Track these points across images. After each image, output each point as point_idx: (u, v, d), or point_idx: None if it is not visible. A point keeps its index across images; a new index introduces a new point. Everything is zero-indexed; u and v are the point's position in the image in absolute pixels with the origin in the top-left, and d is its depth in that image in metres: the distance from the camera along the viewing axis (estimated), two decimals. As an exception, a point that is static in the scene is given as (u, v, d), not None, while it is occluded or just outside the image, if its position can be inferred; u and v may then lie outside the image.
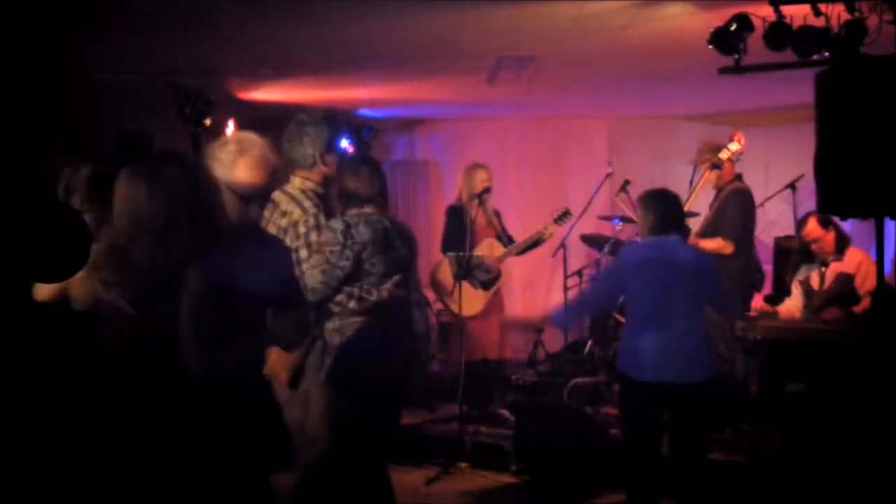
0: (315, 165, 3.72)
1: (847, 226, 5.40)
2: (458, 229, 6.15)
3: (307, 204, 3.66)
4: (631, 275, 4.27)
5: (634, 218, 6.89)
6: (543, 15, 4.83)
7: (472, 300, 6.16)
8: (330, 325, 3.64)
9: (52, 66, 5.45)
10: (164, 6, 4.48)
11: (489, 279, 6.33)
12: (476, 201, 6.18)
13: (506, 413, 6.28)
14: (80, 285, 2.56)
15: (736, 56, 4.41)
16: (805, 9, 4.16)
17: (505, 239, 6.48)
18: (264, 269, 2.79)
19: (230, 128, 7.07)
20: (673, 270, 4.18)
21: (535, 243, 6.43)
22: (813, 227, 5.55)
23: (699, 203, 6.04)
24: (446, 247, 6.41)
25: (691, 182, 5.97)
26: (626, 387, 4.34)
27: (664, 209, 4.24)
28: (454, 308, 6.13)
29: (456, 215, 6.34)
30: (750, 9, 4.31)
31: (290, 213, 3.64)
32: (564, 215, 6.47)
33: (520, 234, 7.00)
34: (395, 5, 4.62)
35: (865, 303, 5.35)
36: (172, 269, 2.47)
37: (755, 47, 4.29)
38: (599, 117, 8.93)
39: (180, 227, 2.50)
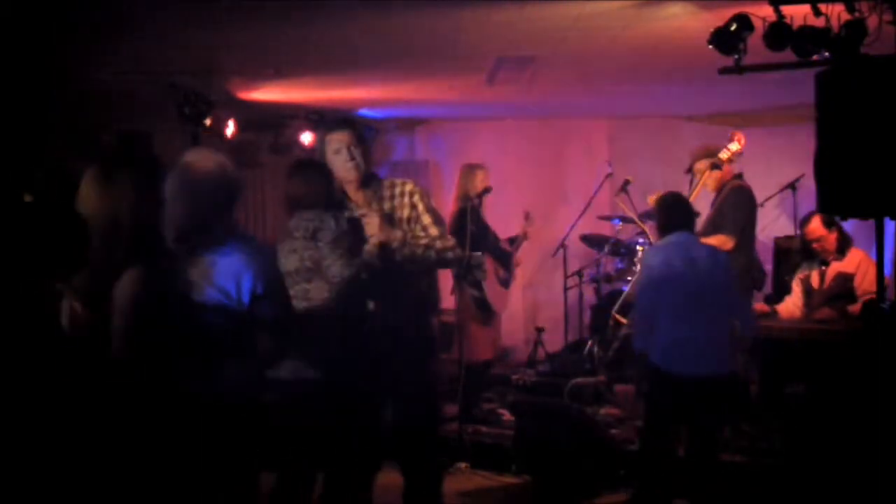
0: None
1: (848, 226, 5.41)
2: (479, 229, 6.22)
3: None
4: (654, 273, 4.44)
5: (634, 218, 6.92)
6: (543, 15, 4.82)
7: (500, 298, 6.48)
8: None
9: (53, 66, 5.45)
10: (165, 6, 4.48)
11: (510, 278, 6.56)
12: (477, 200, 6.20)
13: (506, 413, 6.28)
14: None
15: (736, 56, 4.40)
16: (805, 9, 4.15)
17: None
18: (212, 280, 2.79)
19: (230, 128, 7.08)
20: (692, 265, 4.36)
21: (518, 244, 6.96)
22: (816, 225, 5.56)
23: (699, 203, 6.03)
24: (478, 248, 6.38)
25: (691, 182, 5.97)
26: (655, 379, 4.45)
27: (668, 210, 4.53)
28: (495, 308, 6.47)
29: (473, 215, 6.29)
30: (750, 9, 4.30)
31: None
32: (527, 219, 7.09)
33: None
34: (396, 5, 4.62)
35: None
36: (113, 272, 2.47)
37: (755, 47, 4.29)
38: (599, 117, 8.93)
39: (123, 230, 2.51)
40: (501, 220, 7.11)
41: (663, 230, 4.52)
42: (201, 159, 2.95)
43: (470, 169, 6.41)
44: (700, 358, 4.27)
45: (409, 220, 3.82)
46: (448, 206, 6.70)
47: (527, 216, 7.03)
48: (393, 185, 3.89)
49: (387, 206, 3.83)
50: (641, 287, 4.58)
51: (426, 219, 3.83)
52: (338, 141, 3.82)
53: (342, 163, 3.80)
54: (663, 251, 4.49)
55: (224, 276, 2.81)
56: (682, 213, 4.53)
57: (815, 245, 5.62)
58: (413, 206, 3.83)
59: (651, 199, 5.89)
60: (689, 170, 5.96)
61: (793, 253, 6.50)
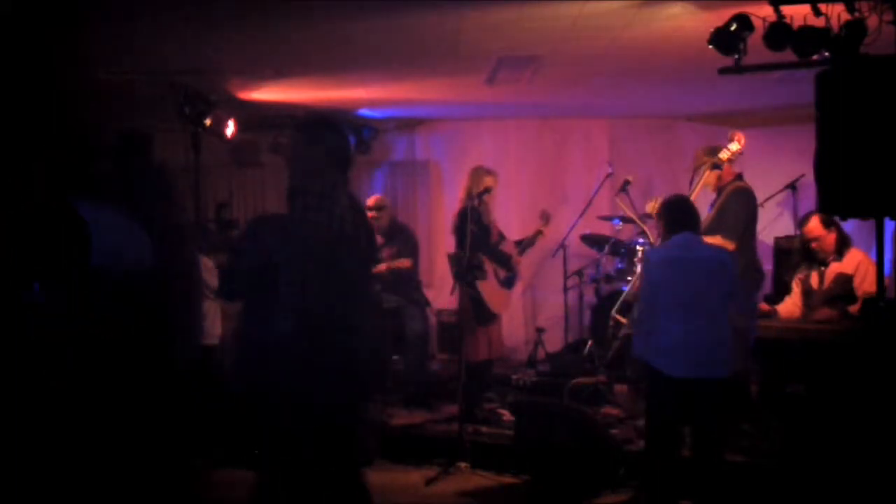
0: None
1: (848, 226, 5.40)
2: (480, 229, 6.22)
3: None
4: (656, 273, 4.43)
5: (634, 218, 6.92)
6: (543, 15, 4.83)
7: (501, 299, 6.41)
8: None
9: (53, 65, 5.45)
10: (165, 5, 4.48)
11: (511, 277, 6.55)
12: (477, 201, 6.18)
13: (506, 413, 6.28)
14: None
15: (736, 56, 4.41)
16: (805, 9, 4.16)
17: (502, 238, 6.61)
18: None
19: (230, 128, 7.08)
20: (695, 266, 4.36)
21: (530, 243, 6.81)
22: (815, 225, 5.56)
23: (699, 203, 6.02)
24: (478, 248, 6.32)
25: (691, 183, 5.96)
26: (655, 382, 4.41)
27: (674, 210, 4.51)
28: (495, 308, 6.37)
29: (473, 214, 6.25)
30: (750, 9, 4.31)
31: None
32: (543, 217, 6.95)
33: (518, 235, 7.04)
34: (396, 5, 4.63)
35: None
36: None
37: (755, 47, 4.29)
38: (600, 117, 8.92)
39: None
40: (501, 220, 7.10)
41: (668, 231, 4.51)
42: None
43: (478, 171, 6.37)
44: (699, 361, 4.26)
45: None
46: (446, 207, 6.71)
47: (542, 214, 6.97)
48: None
49: None
50: (643, 289, 4.56)
51: None
52: None
53: None
54: (664, 252, 4.49)
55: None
56: (686, 214, 4.51)
57: (813, 245, 5.62)
58: None
59: (650, 207, 5.87)
60: (696, 168, 5.94)
61: (793, 253, 6.49)
